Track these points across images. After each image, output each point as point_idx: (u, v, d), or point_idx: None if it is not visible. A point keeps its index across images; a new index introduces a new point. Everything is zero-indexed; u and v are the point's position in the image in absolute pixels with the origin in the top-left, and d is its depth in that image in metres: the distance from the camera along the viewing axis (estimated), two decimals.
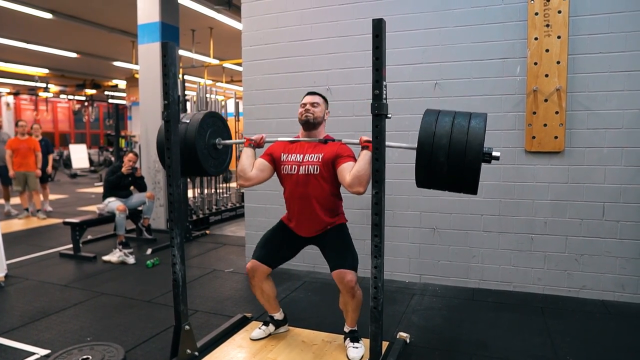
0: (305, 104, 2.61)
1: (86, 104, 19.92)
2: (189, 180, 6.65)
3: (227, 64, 10.84)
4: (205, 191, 6.83)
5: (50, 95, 18.96)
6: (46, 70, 15.14)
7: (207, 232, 6.13)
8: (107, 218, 5.18)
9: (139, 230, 5.68)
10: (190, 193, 6.67)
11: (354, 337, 2.66)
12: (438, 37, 3.72)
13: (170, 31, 6.22)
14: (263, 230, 4.49)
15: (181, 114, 2.61)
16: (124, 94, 18.43)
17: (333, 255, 2.55)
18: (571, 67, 3.41)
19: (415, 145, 2.09)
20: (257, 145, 2.65)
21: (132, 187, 5.51)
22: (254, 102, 4.39)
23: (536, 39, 3.45)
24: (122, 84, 17.06)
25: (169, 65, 2.30)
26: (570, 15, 3.38)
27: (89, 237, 5.61)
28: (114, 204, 5.10)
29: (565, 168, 3.50)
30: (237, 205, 7.45)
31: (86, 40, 11.08)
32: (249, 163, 2.60)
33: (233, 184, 8.77)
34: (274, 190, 4.33)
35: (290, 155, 2.61)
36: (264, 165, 2.63)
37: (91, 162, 17.39)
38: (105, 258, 4.70)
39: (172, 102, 2.34)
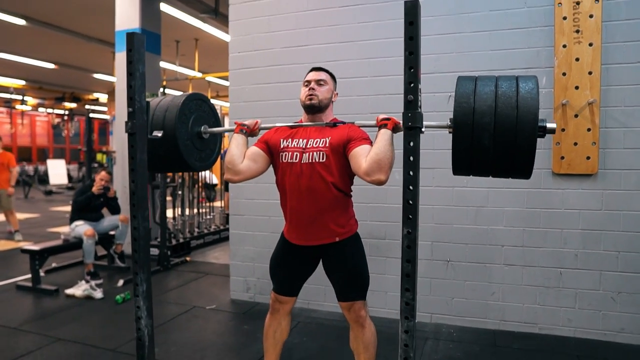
0: (309, 82, 2.16)
1: (66, 117, 19.24)
2: (168, 198, 6.07)
3: (212, 78, 10.37)
4: (187, 212, 6.25)
5: (28, 108, 18.24)
6: (22, 82, 14.46)
7: (188, 258, 5.54)
8: (74, 244, 4.58)
9: (111, 257, 5.07)
10: (169, 213, 6.07)
11: None
12: (453, 44, 3.29)
13: (151, 39, 5.73)
14: (250, 260, 4.00)
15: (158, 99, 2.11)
16: (105, 108, 17.81)
17: (340, 280, 2.13)
18: (605, 79, 3.00)
19: (450, 125, 1.62)
20: (250, 132, 2.15)
21: (103, 209, 4.93)
22: (242, 115, 3.87)
23: (564, 46, 3.05)
24: (103, 97, 16.45)
25: (135, 63, 1.79)
26: (603, 20, 2.99)
27: (54, 265, 4.98)
28: (81, 228, 4.51)
29: (599, 193, 3.07)
30: (222, 227, 6.86)
31: (64, 50, 10.51)
32: (240, 153, 2.07)
33: (217, 204, 8.22)
34: (263, 215, 3.84)
35: (291, 141, 2.11)
36: (258, 155, 2.12)
37: (70, 178, 16.63)
38: (69, 292, 4.09)
39: (139, 109, 1.82)
